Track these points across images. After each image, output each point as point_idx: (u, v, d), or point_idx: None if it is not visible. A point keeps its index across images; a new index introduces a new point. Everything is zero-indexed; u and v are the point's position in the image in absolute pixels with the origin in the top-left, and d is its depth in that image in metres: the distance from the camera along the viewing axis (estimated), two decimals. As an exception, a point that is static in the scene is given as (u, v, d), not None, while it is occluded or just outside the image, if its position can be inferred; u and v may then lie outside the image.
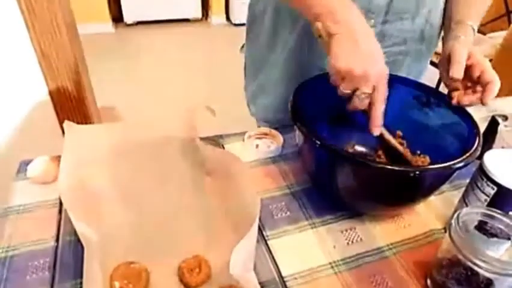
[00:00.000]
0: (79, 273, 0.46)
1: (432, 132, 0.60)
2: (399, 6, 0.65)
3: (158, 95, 2.41)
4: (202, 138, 0.63)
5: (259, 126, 0.89)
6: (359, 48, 0.48)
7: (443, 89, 0.63)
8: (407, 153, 0.60)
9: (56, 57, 1.00)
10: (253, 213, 0.47)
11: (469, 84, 0.58)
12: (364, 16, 0.64)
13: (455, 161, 0.46)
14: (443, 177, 0.51)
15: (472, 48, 0.58)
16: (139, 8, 3.35)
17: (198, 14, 3.58)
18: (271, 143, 0.71)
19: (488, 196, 0.49)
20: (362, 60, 0.48)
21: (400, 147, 0.60)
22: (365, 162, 0.48)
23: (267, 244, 0.52)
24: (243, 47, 0.89)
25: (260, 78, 0.83)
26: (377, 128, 0.54)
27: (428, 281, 0.48)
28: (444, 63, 0.61)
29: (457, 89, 0.58)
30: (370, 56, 0.48)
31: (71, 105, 1.10)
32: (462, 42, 0.58)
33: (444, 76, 0.62)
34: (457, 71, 0.55)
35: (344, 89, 0.51)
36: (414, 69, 0.76)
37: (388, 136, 0.59)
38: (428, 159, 0.60)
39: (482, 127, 0.58)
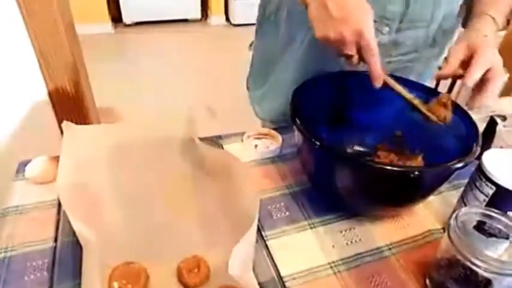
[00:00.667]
0: (77, 274, 0.46)
1: (431, 133, 0.60)
2: (415, 13, 0.64)
3: (157, 95, 2.41)
4: (201, 138, 0.63)
5: (263, 125, 0.89)
6: (330, 14, 0.49)
7: (443, 89, 0.63)
8: (420, 104, 0.57)
9: (55, 58, 1.00)
10: (252, 213, 0.47)
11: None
12: (379, 23, 0.64)
13: (455, 162, 0.46)
14: (442, 178, 0.51)
15: (485, 42, 0.55)
16: (138, 9, 3.35)
17: (197, 14, 3.58)
18: (270, 144, 0.71)
19: (486, 196, 0.49)
20: (333, 26, 0.49)
21: (410, 97, 0.57)
22: (364, 163, 0.48)
23: (266, 244, 0.52)
24: (251, 44, 0.88)
25: (271, 79, 0.82)
26: (377, 81, 0.53)
27: (427, 281, 0.48)
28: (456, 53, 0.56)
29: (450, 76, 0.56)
30: (341, 20, 0.48)
31: (70, 105, 1.09)
32: (473, 38, 0.57)
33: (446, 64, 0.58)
34: (471, 81, 0.53)
35: (335, 52, 0.52)
36: (424, 73, 0.75)
37: (396, 87, 0.56)
38: (420, 159, 0.60)
39: (481, 127, 0.58)
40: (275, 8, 0.75)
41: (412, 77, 0.72)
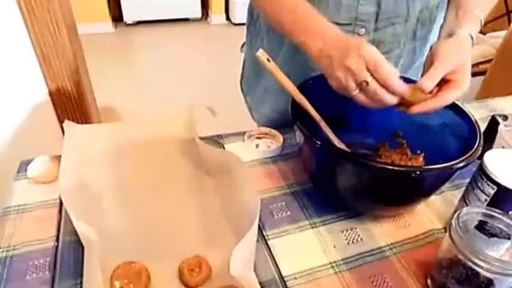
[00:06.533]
0: (79, 273, 0.46)
1: (432, 132, 0.60)
2: (390, 11, 0.64)
3: (158, 94, 2.41)
4: (202, 138, 0.63)
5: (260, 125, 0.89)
6: (334, 60, 0.50)
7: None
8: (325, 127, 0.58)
9: (56, 57, 1.00)
10: (253, 213, 0.47)
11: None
12: (353, 25, 0.64)
13: (456, 161, 0.46)
14: (443, 178, 0.51)
15: (463, 49, 0.52)
16: (138, 8, 3.35)
17: (198, 13, 3.58)
18: (271, 143, 0.71)
19: (488, 196, 0.49)
20: (338, 65, 0.49)
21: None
22: (366, 163, 0.48)
23: (267, 244, 0.52)
24: (243, 46, 0.88)
25: (262, 85, 0.82)
26: (415, 110, 0.50)
27: (429, 281, 0.48)
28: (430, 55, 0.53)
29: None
30: (343, 56, 0.49)
31: (71, 105, 1.10)
32: (456, 43, 0.52)
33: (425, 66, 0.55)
34: (428, 83, 0.49)
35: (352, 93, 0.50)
36: (409, 66, 0.75)
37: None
38: (421, 159, 0.60)
39: (482, 127, 0.58)
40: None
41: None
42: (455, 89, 0.49)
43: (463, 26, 0.54)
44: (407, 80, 0.63)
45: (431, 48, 0.54)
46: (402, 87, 0.48)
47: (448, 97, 0.50)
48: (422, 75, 0.53)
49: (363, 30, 0.65)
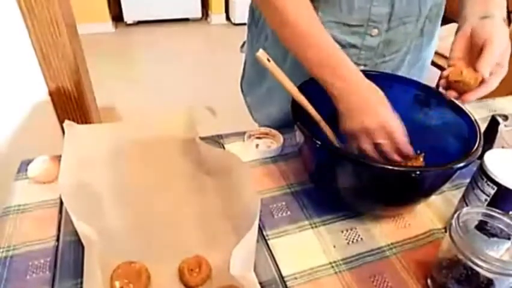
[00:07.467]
0: (79, 273, 0.46)
1: (432, 133, 0.60)
2: (402, 11, 0.64)
3: (158, 94, 2.41)
4: (202, 138, 0.63)
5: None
6: (353, 108, 0.52)
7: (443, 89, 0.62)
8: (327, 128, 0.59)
9: (56, 57, 1.00)
10: (253, 212, 0.47)
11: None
12: (366, 27, 0.63)
13: (456, 162, 0.46)
14: (443, 178, 0.51)
15: (497, 27, 0.52)
16: (139, 8, 3.35)
17: (198, 13, 3.58)
18: (271, 143, 0.71)
19: (488, 196, 0.49)
20: (357, 118, 0.52)
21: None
22: (366, 163, 0.48)
23: (267, 244, 0.52)
24: (243, 45, 0.88)
25: (264, 86, 0.81)
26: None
27: (429, 281, 0.48)
28: (461, 40, 0.55)
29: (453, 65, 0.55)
30: (364, 112, 0.51)
31: (71, 105, 1.10)
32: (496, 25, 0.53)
33: (455, 49, 0.56)
34: (486, 69, 0.50)
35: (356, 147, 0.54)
36: (414, 63, 0.75)
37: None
38: (421, 159, 0.60)
39: (483, 127, 0.58)
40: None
41: (403, 69, 0.72)
42: (501, 73, 0.51)
43: (495, 10, 0.55)
44: (409, 81, 0.63)
45: (458, 29, 0.56)
46: (409, 150, 0.53)
47: (495, 82, 0.52)
48: (451, 53, 0.56)
49: (375, 31, 0.66)
